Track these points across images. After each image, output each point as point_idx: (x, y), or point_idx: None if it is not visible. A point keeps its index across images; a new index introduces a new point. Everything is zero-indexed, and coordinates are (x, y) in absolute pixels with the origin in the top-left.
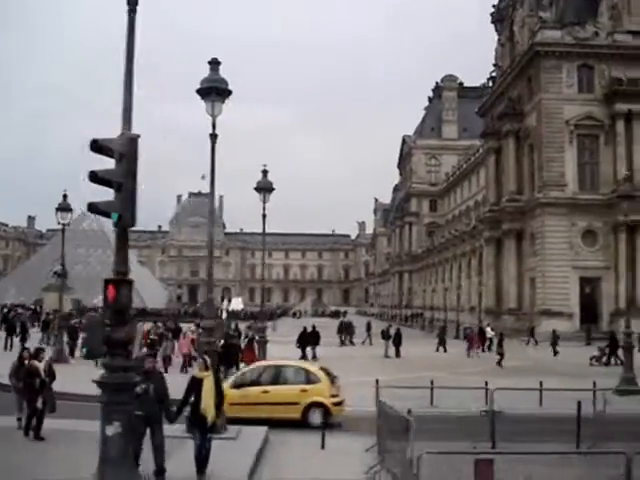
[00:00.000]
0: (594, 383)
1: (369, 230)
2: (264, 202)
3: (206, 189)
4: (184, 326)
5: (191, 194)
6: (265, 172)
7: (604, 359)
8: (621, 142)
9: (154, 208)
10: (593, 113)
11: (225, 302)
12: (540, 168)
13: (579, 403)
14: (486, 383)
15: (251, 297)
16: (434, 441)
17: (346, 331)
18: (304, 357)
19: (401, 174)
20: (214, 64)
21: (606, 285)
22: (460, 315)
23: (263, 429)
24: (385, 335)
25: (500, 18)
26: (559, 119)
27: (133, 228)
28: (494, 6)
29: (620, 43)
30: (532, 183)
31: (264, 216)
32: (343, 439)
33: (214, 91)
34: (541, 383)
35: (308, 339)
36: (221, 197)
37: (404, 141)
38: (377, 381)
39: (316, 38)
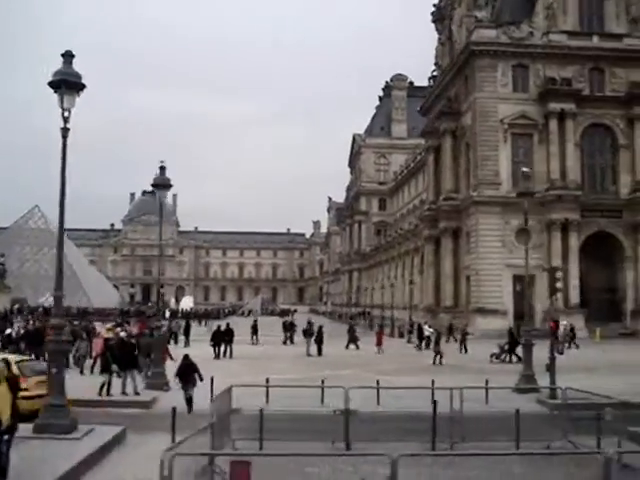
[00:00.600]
0: (486, 381)
1: (324, 229)
2: (160, 199)
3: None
4: (98, 325)
5: (145, 192)
6: (163, 168)
7: (503, 356)
8: (554, 141)
9: (108, 206)
10: (527, 112)
11: (172, 301)
12: (475, 167)
13: (435, 402)
14: (377, 382)
15: (205, 296)
16: (277, 441)
17: (289, 330)
18: (217, 355)
19: (352, 173)
20: (67, 57)
21: (540, 283)
22: (402, 313)
23: (118, 429)
24: (307, 333)
25: (440, 17)
26: (494, 118)
27: (85, 227)
28: (435, 5)
29: (555, 43)
30: (468, 182)
31: (161, 211)
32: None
33: (64, 84)
34: (433, 382)
35: (221, 337)
36: (175, 195)
37: (354, 140)
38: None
39: (270, 35)
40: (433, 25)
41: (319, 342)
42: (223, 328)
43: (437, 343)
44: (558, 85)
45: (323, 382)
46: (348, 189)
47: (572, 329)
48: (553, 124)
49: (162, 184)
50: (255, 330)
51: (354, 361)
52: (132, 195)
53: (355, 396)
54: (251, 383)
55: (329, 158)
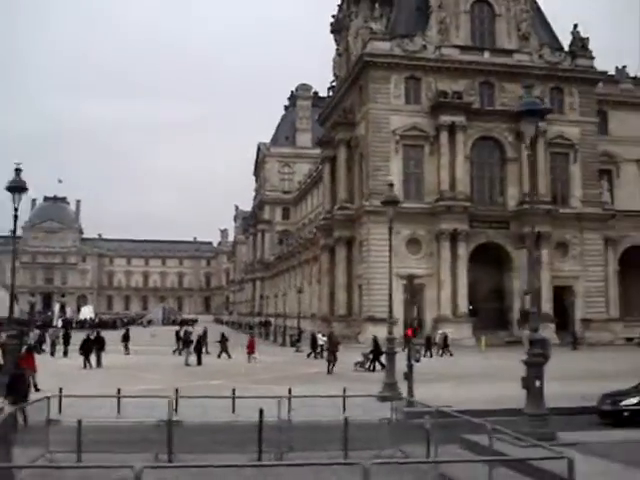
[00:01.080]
0: (344, 389)
1: (231, 237)
2: (16, 203)
3: (62, 193)
4: None
5: (46, 198)
6: (18, 170)
7: (367, 365)
8: (445, 153)
9: (8, 212)
10: (419, 124)
11: (65, 311)
12: (367, 177)
13: (261, 410)
14: (234, 391)
15: (109, 305)
16: (96, 453)
17: (183, 340)
18: (87, 364)
19: (257, 182)
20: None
21: (429, 292)
22: (302, 322)
23: None
24: (185, 342)
25: (339, 28)
26: (386, 129)
27: None
28: (333, 16)
29: (447, 57)
30: (362, 191)
31: (15, 217)
32: None
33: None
34: (290, 390)
35: (91, 346)
36: (78, 202)
37: (259, 149)
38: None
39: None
40: (332, 36)
41: (198, 351)
42: (93, 336)
43: (331, 352)
44: (449, 98)
45: (178, 391)
46: (254, 198)
47: (445, 338)
48: (444, 136)
49: (18, 187)
50: (126, 339)
51: (234, 371)
52: (33, 201)
53: (215, 405)
54: (106, 394)
55: (238, 166)
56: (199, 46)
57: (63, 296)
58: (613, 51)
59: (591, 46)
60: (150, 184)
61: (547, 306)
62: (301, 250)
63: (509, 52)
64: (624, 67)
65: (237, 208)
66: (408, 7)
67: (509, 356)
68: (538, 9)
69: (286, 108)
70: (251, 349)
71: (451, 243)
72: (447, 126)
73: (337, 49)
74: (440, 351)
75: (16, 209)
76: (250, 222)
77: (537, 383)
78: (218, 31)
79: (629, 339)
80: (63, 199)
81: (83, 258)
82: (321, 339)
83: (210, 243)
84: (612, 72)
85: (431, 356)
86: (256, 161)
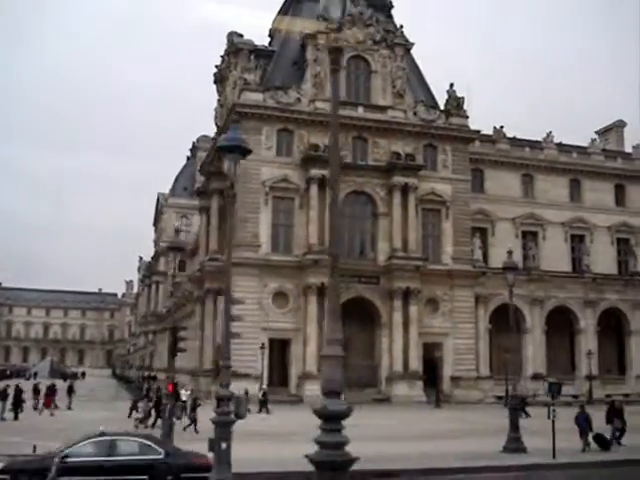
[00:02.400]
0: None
1: (136, 289)
2: None
3: None
4: None
5: None
6: None
7: (150, 420)
8: (314, 206)
9: None
10: (289, 176)
11: None
12: (235, 228)
13: None
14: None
15: (6, 356)
16: None
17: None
18: None
19: (155, 232)
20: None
21: (295, 347)
22: (181, 377)
23: None
24: (2, 396)
25: (221, 79)
26: (256, 180)
27: None
28: (216, 66)
29: (320, 111)
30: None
31: None
32: None
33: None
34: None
35: None
36: None
37: (158, 199)
38: None
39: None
40: (215, 86)
41: (15, 406)
42: None
43: (193, 409)
44: (321, 152)
45: None
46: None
47: (264, 394)
48: (314, 190)
49: None
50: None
51: (45, 426)
52: None
53: None
54: None
55: (145, 216)
56: (107, 94)
57: None
58: (494, 111)
59: (474, 105)
60: (56, 231)
61: (415, 363)
62: (185, 303)
63: (383, 108)
64: (501, 127)
65: (141, 259)
66: (285, 60)
67: (360, 415)
68: (416, 67)
69: (188, 159)
70: (49, 402)
71: (318, 297)
72: (317, 179)
73: (218, 100)
74: (259, 408)
75: None
76: (146, 274)
77: (223, 445)
78: (131, 80)
79: (499, 397)
80: None
81: None
82: (183, 395)
83: (115, 295)
84: (490, 132)
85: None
86: (155, 212)
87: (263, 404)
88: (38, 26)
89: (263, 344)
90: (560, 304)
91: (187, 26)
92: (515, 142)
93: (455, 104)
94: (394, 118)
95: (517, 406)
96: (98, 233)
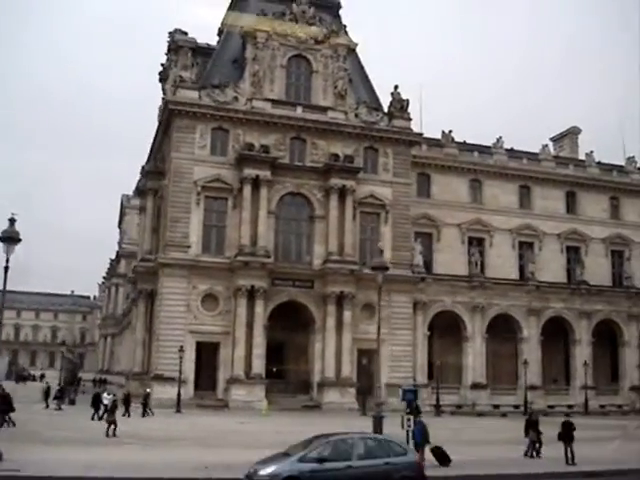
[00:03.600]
0: None
1: None
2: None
3: None
4: None
5: None
6: (12, 220)
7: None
8: (247, 207)
9: None
10: (223, 176)
11: None
12: (165, 228)
13: None
14: None
15: None
16: None
17: None
18: None
19: (120, 234)
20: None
21: (224, 351)
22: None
23: None
24: None
25: (165, 77)
26: (188, 179)
27: None
28: (162, 64)
29: (257, 110)
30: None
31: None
32: None
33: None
34: None
35: None
36: None
37: (122, 201)
38: None
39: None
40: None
41: None
42: None
43: (112, 412)
44: (255, 151)
45: None
46: None
47: (146, 396)
48: (247, 190)
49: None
50: None
51: None
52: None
53: None
54: None
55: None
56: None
57: None
58: (448, 115)
59: (427, 109)
60: (27, 232)
61: (347, 369)
62: (132, 306)
63: (323, 109)
64: (450, 131)
65: (111, 262)
66: (226, 58)
67: (276, 421)
68: (361, 68)
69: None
70: None
71: (248, 301)
72: (251, 180)
73: (163, 98)
74: (143, 410)
75: (8, 260)
76: (107, 276)
77: None
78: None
79: (437, 406)
80: None
81: None
82: (106, 398)
83: (88, 297)
84: (439, 136)
85: (129, 415)
86: (120, 213)
87: (144, 406)
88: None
89: (181, 347)
90: (503, 312)
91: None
92: (464, 147)
93: (399, 106)
94: (334, 119)
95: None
96: (71, 235)
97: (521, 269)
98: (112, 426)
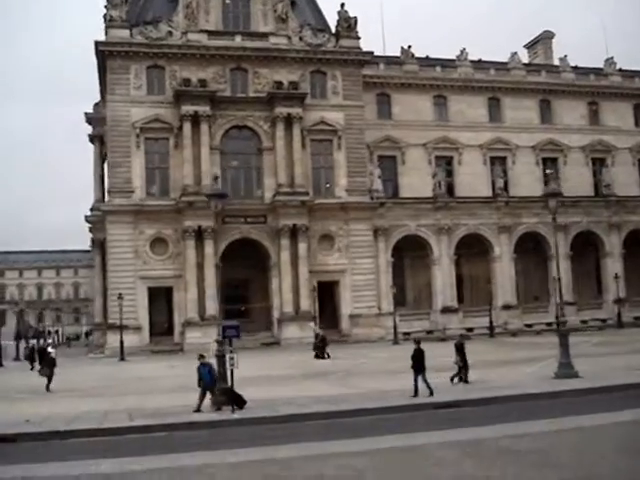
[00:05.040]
0: None
1: None
2: None
3: None
4: None
5: None
6: None
7: None
8: (188, 145)
9: None
10: (162, 115)
11: None
12: (108, 174)
13: None
14: None
15: (1, 320)
16: None
17: None
18: None
19: None
20: None
21: (177, 294)
22: None
23: None
24: None
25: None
26: (126, 122)
27: None
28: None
29: (192, 43)
30: None
31: None
32: None
33: None
34: None
35: None
36: None
37: None
38: None
39: None
40: None
41: None
42: None
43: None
44: (193, 87)
45: None
46: None
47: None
48: (187, 127)
49: None
50: None
51: None
52: None
53: None
54: None
55: None
56: None
57: None
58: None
59: (388, 28)
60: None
61: (306, 303)
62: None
63: (264, 35)
64: (409, 47)
65: None
66: None
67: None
68: None
69: None
70: None
71: (197, 242)
72: (190, 116)
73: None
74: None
75: None
76: None
77: None
78: None
79: (406, 333)
80: None
81: None
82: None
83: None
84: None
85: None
86: None
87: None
88: None
89: (120, 294)
90: (472, 232)
91: None
92: (425, 62)
93: (346, 25)
94: (275, 45)
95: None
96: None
97: (494, 186)
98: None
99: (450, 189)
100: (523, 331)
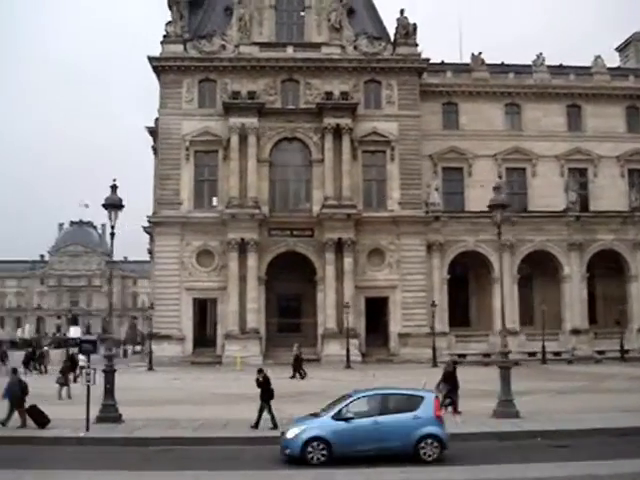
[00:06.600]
0: None
1: None
2: (112, 219)
3: (87, 217)
4: None
5: (72, 222)
6: (114, 187)
7: None
8: (235, 158)
9: (36, 237)
10: (211, 128)
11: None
12: (157, 187)
13: None
14: None
15: (132, 326)
16: None
17: None
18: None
19: None
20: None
21: (222, 306)
22: None
23: None
24: None
25: None
26: (176, 135)
27: (11, 258)
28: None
29: (244, 55)
30: None
31: (112, 235)
32: None
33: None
34: None
35: None
36: (103, 225)
37: None
38: None
39: None
40: None
41: None
42: None
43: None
44: (241, 99)
45: None
46: None
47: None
48: (234, 140)
49: (113, 204)
50: None
51: None
52: (60, 225)
53: None
54: None
55: None
56: None
57: (89, 318)
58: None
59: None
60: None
61: (350, 320)
62: None
63: (316, 45)
64: (480, 54)
65: None
66: (217, 8)
67: (225, 377)
68: None
69: None
70: None
71: (240, 254)
72: (237, 128)
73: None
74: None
75: (113, 227)
76: None
77: None
78: None
79: (461, 355)
80: (88, 223)
81: (107, 280)
82: (82, 360)
83: None
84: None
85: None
86: None
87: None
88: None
89: (152, 304)
90: (538, 249)
91: None
92: (496, 69)
93: (404, 32)
94: (328, 55)
95: None
96: None
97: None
98: (64, 387)
99: (522, 202)
100: (589, 358)
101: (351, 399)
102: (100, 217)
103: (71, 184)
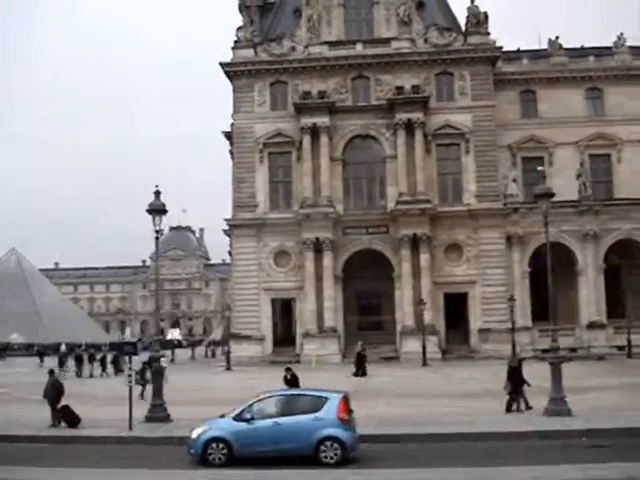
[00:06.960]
0: None
1: None
2: (156, 224)
3: (186, 222)
4: None
5: (171, 228)
6: (158, 193)
7: None
8: (307, 157)
9: (139, 243)
10: (284, 130)
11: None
12: (233, 190)
13: None
14: None
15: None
16: None
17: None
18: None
19: None
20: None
21: (300, 306)
22: None
23: None
24: None
25: None
26: (250, 138)
27: (114, 264)
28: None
29: (313, 56)
30: None
31: (157, 239)
32: None
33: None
34: None
35: None
36: (201, 230)
37: None
38: None
39: None
40: None
41: None
42: None
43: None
44: (312, 99)
45: None
46: None
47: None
48: (306, 140)
49: (157, 209)
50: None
51: None
52: (160, 231)
53: None
54: None
55: None
56: None
57: (190, 320)
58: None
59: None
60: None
61: (428, 316)
62: None
63: (386, 41)
64: (557, 38)
65: None
66: (287, 10)
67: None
68: None
69: None
70: None
71: (316, 253)
72: (309, 128)
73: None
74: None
75: (157, 231)
76: None
77: None
78: None
79: (545, 350)
80: (187, 228)
81: (206, 283)
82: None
83: None
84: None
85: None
86: None
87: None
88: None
89: (228, 305)
90: (625, 237)
91: None
92: (575, 52)
93: (475, 21)
94: (397, 50)
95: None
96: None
97: None
98: (142, 388)
99: (607, 190)
100: None
101: (254, 400)
102: (198, 221)
103: (169, 190)
